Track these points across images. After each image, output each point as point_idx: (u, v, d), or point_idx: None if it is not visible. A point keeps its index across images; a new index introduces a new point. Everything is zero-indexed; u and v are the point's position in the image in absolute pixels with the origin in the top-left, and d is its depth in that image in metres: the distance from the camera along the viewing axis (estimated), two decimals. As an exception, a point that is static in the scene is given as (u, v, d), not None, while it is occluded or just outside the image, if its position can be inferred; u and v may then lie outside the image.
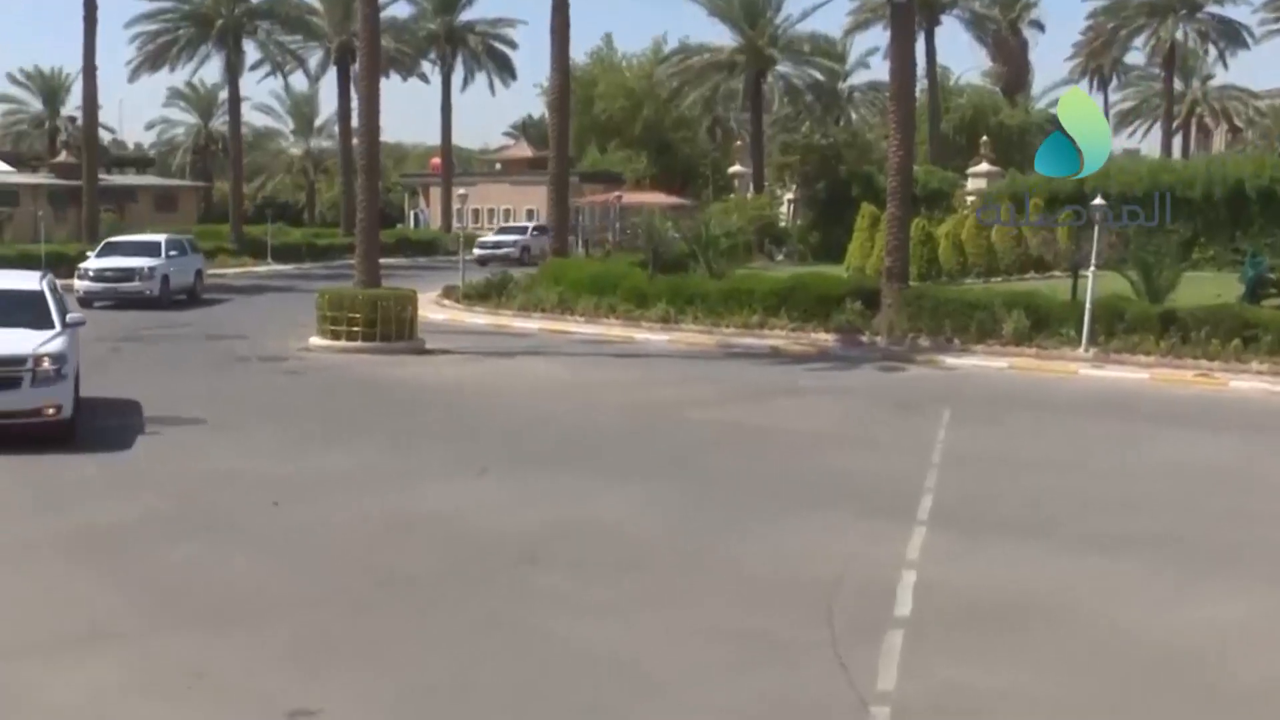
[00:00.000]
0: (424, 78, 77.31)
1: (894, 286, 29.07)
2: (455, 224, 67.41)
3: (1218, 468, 16.21)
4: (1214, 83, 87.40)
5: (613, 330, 31.47)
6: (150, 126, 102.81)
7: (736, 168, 69.75)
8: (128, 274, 37.33)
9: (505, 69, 78.42)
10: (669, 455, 16.62)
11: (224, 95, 73.28)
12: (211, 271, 54.23)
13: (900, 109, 30.90)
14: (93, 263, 38.07)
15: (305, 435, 17.66)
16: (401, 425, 18.84)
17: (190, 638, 9.28)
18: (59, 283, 19.53)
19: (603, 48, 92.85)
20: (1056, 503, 13.96)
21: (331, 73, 71.87)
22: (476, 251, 61.35)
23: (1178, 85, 77.01)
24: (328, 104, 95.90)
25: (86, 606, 9.97)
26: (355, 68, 51.82)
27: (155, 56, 66.40)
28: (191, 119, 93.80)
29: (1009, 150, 69.98)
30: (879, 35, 69.66)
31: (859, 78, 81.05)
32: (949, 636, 9.50)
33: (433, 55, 76.21)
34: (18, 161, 73.32)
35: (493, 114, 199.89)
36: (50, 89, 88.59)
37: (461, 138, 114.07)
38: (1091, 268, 26.99)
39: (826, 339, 28.92)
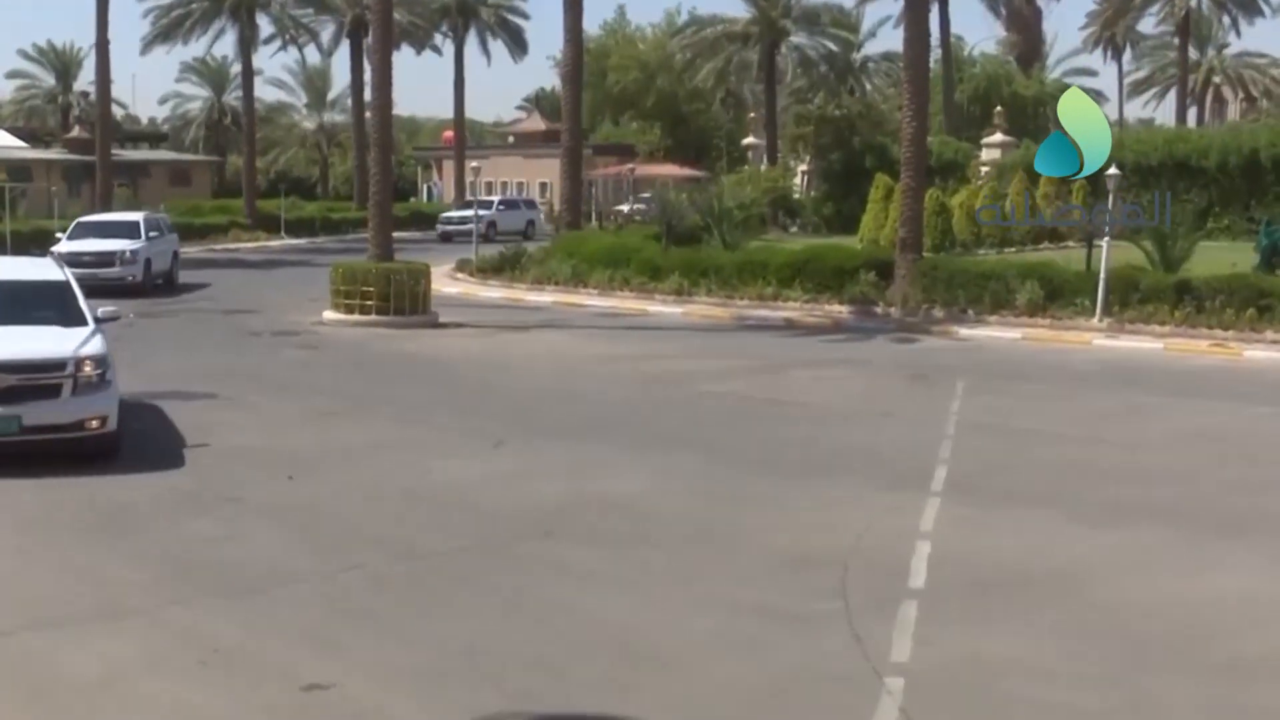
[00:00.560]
0: (437, 50, 77.23)
1: (908, 258, 29.03)
2: (468, 197, 67.38)
3: (1232, 438, 16.20)
4: (1229, 51, 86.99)
5: (626, 303, 31.47)
6: (163, 101, 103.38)
7: (750, 139, 69.55)
8: (107, 258, 33.13)
9: (518, 41, 78.24)
10: (683, 428, 16.63)
11: (237, 69, 73.26)
12: (226, 246, 54.52)
13: (914, 79, 30.81)
14: (66, 245, 33.38)
15: (318, 410, 17.69)
16: (415, 399, 18.87)
17: (206, 612, 9.33)
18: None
19: (616, 19, 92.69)
20: (1070, 473, 13.96)
21: (345, 46, 71.85)
22: (440, 228, 60.58)
23: (1193, 54, 76.61)
24: (341, 77, 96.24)
25: (101, 581, 10.01)
26: (368, 41, 51.80)
27: (168, 30, 66.44)
28: (205, 93, 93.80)
29: (1023, 120, 69.66)
30: (892, 4, 69.39)
31: (873, 48, 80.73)
32: (963, 607, 9.52)
33: (445, 28, 76.04)
34: (31, 137, 73.53)
35: (506, 87, 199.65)
36: (63, 64, 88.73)
37: (474, 111, 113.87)
38: (1106, 238, 26.93)
39: (841, 311, 28.90)
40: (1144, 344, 24.41)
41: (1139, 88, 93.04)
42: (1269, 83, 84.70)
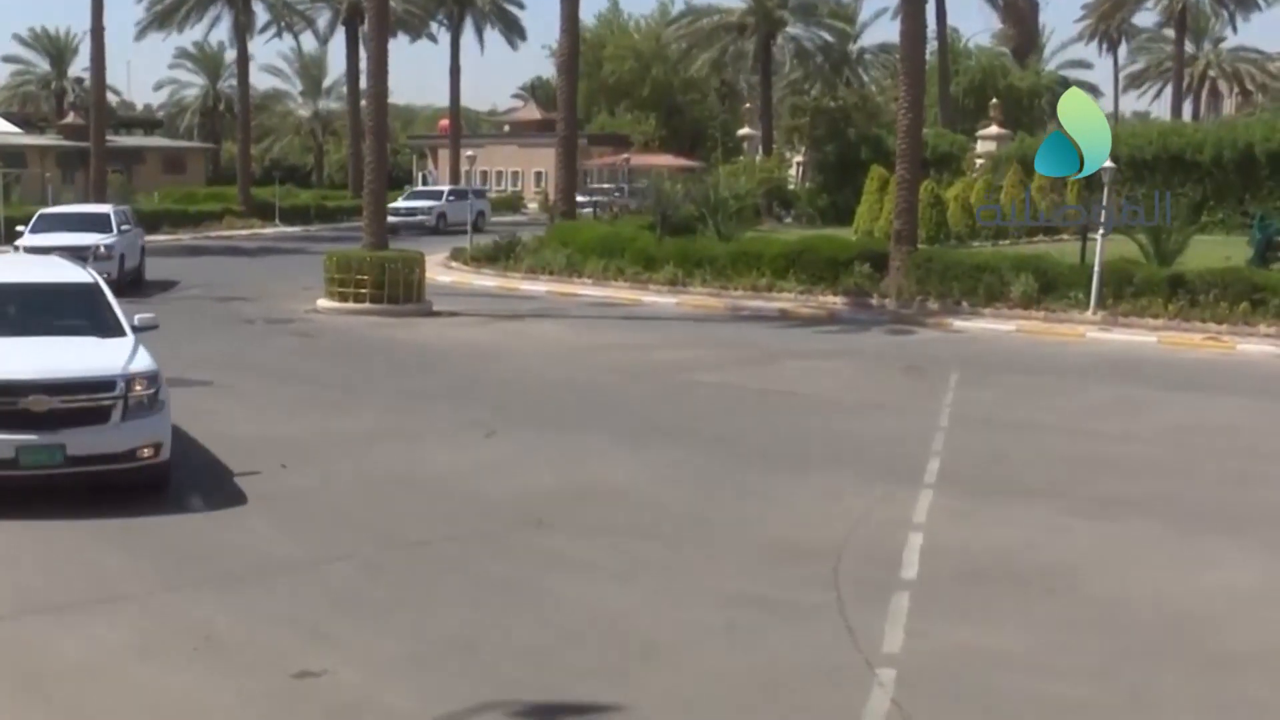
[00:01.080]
0: (433, 38, 77.08)
1: (903, 249, 29.03)
2: (464, 186, 67.30)
3: (1225, 431, 16.21)
4: (1225, 45, 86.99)
5: (621, 293, 31.46)
6: (158, 88, 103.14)
7: (745, 130, 69.52)
8: (79, 254, 27.00)
9: (514, 30, 78.09)
10: (677, 418, 16.63)
11: (232, 56, 73.11)
12: (220, 234, 54.44)
13: (910, 71, 30.79)
14: (31, 239, 30.73)
15: (312, 397, 17.68)
16: (408, 387, 18.85)
17: (197, 599, 9.32)
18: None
19: (610, 9, 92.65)
20: (1063, 466, 13.97)
21: (340, 33, 71.71)
22: (389, 220, 58.04)
23: (1189, 48, 76.62)
24: (336, 65, 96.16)
25: (95, 568, 10.01)
26: (364, 28, 51.69)
27: (163, 16, 66.25)
28: (199, 80, 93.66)
29: (1018, 113, 69.73)
30: (889, -4, 69.29)
31: (869, 39, 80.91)
32: (954, 599, 9.53)
33: (441, 16, 75.90)
34: (25, 123, 73.33)
35: (502, 76, 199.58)
36: (57, 50, 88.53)
37: (470, 100, 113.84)
38: (1100, 230, 26.94)
39: (835, 302, 28.90)
40: (1137, 337, 24.43)
41: (1135, 81, 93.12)
42: (1265, 77, 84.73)
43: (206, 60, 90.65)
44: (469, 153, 59.95)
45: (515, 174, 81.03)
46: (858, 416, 16.86)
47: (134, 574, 9.84)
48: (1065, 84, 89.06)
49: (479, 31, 77.55)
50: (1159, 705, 7.85)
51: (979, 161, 52.95)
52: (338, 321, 26.38)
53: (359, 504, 11.97)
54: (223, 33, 70.00)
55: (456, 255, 38.98)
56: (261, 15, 67.68)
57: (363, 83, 39.37)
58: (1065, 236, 37.94)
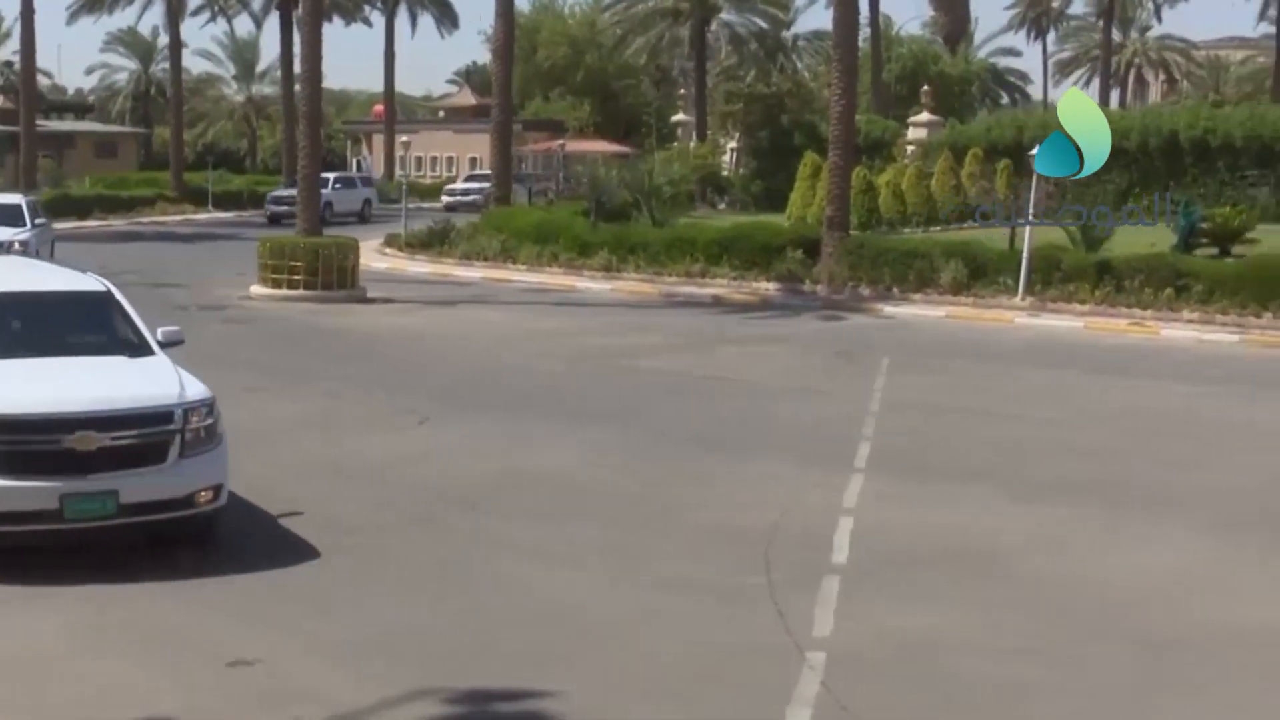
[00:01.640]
0: (367, 22, 76.71)
1: (835, 235, 29.26)
2: (398, 172, 66.96)
3: (1151, 415, 16.51)
4: (1152, 34, 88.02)
5: (555, 279, 31.52)
6: (90, 72, 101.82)
7: (680, 116, 69.58)
8: None
9: (448, 15, 77.96)
10: (612, 404, 16.74)
11: (165, 40, 72.38)
12: (151, 219, 53.94)
13: (843, 58, 30.98)
14: None
15: (245, 384, 17.59)
16: (343, 374, 18.84)
17: (131, 588, 9.34)
18: None
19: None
20: (993, 450, 14.19)
21: (274, 18, 71.12)
22: (269, 208, 53.98)
23: (1116, 36, 77.48)
24: (270, 49, 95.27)
25: (26, 560, 9.98)
26: (298, 12, 51.33)
27: (94, 0, 65.52)
28: (132, 64, 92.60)
29: (949, 100, 70.20)
30: (822, -17, 69.60)
31: (803, 26, 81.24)
32: (885, 583, 9.69)
33: (376, 0, 75.53)
34: (-48, 107, 72.32)
35: (437, 61, 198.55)
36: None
37: (405, 85, 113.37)
38: (1029, 217, 27.27)
39: (768, 288, 29.10)
40: (1065, 322, 24.77)
41: (1064, 69, 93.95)
42: (1190, 66, 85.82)
43: (139, 44, 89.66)
44: (404, 138, 59.60)
45: (450, 159, 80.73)
46: (790, 401, 17.04)
47: (63, 564, 9.76)
48: (995, 72, 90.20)
49: (413, 16, 77.44)
50: (1094, 684, 8.00)
51: (910, 148, 53.29)
52: (271, 308, 26.28)
53: (294, 490, 11.97)
54: (156, 16, 69.28)
55: (391, 241, 38.91)
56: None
57: (297, 67, 39.13)
58: (994, 223, 38.30)
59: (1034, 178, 27.97)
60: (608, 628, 8.73)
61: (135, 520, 9.66)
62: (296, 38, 50.98)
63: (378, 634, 8.54)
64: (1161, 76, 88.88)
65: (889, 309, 26.60)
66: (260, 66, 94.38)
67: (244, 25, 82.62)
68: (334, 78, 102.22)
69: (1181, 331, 23.68)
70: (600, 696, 7.70)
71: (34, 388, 9.79)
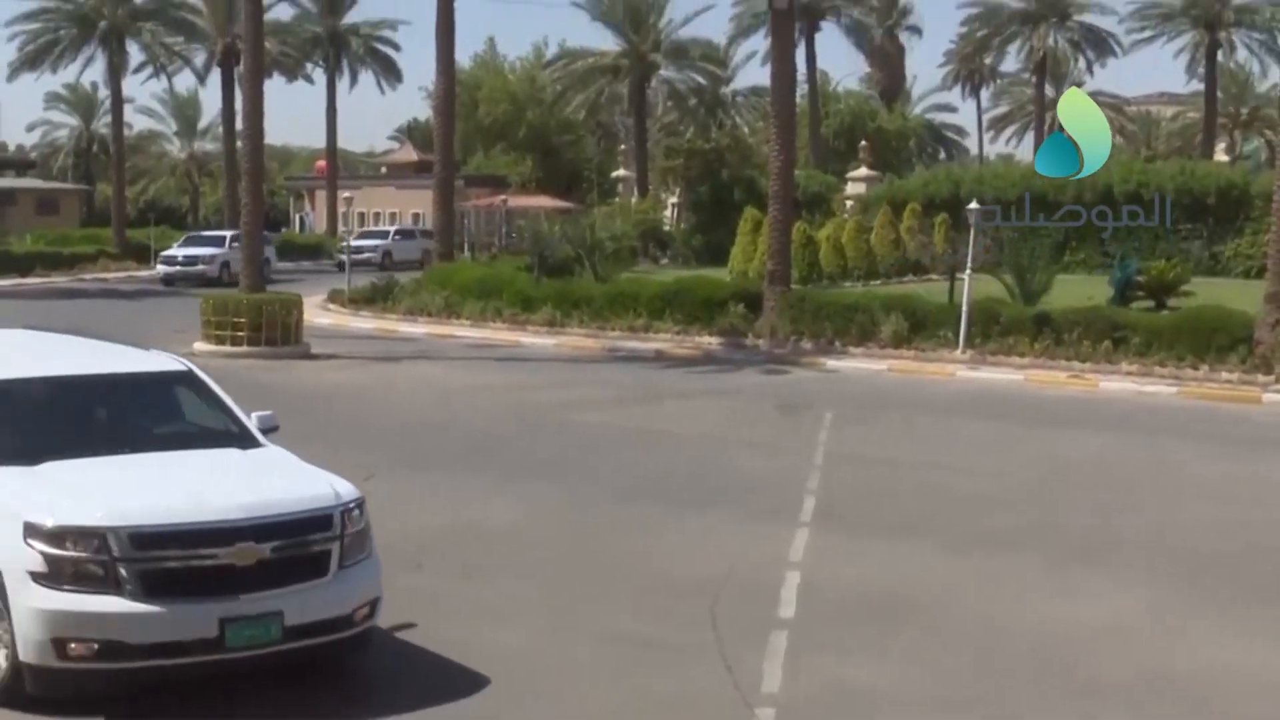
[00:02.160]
0: (309, 80, 76.69)
1: (776, 289, 29.48)
2: (341, 228, 66.84)
3: (1092, 467, 16.73)
4: (1085, 90, 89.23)
5: (499, 334, 31.56)
6: (31, 128, 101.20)
7: (621, 171, 70.02)
8: None
9: (390, 72, 78.01)
10: (556, 459, 16.78)
11: (107, 96, 72.15)
12: (94, 276, 53.57)
13: (781, 114, 31.35)
14: None
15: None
16: (287, 430, 18.61)
17: None
18: None
19: (486, 51, 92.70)
20: (936, 502, 14.33)
21: (216, 74, 71.06)
22: (160, 269, 51.34)
23: (1049, 91, 78.58)
24: (212, 106, 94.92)
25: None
26: (239, 69, 51.35)
27: (36, 56, 65.17)
28: (73, 121, 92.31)
29: (887, 155, 71.03)
30: (761, 40, 70.32)
31: (741, 82, 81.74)
32: (832, 636, 9.76)
33: (317, 58, 75.60)
34: (-109, 163, 71.75)
35: (378, 117, 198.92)
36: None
37: (347, 141, 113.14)
38: (968, 271, 27.60)
39: (710, 342, 29.25)
40: (1005, 375, 25.03)
41: (998, 124, 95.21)
42: (1122, 120, 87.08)
43: (80, 101, 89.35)
44: (346, 194, 59.56)
45: (393, 215, 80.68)
46: (734, 456, 17.12)
47: None
48: (932, 127, 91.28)
49: (354, 74, 77.38)
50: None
51: (849, 202, 53.84)
52: (215, 364, 26.03)
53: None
54: (97, 73, 68.96)
55: (334, 297, 38.85)
56: (136, 55, 66.88)
57: (239, 124, 39.14)
58: (934, 276, 38.75)
59: (971, 231, 28.34)
60: (554, 684, 8.75)
61: (299, 645, 8.27)
62: (238, 94, 51.03)
63: (319, 689, 8.52)
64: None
65: (831, 362, 26.80)
66: (202, 123, 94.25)
67: (186, 82, 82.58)
68: (276, 134, 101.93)
69: (1120, 384, 23.99)
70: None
71: (166, 493, 8.32)
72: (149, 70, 69.04)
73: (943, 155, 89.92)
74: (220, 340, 27.57)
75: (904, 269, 44.31)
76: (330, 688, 8.59)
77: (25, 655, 7.78)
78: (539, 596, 10.68)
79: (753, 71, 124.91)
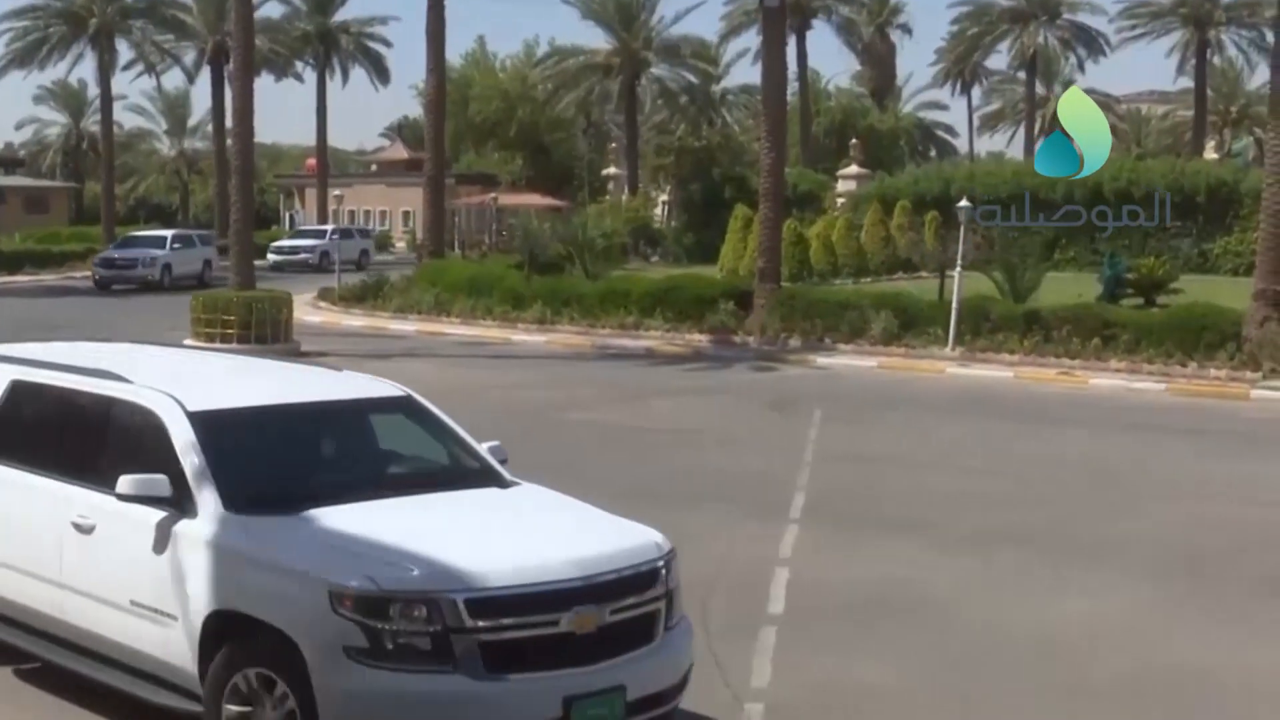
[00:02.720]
0: (299, 78, 76.69)
1: (766, 287, 29.54)
2: (329, 225, 66.90)
3: (1080, 464, 16.77)
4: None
5: (489, 332, 31.57)
6: (20, 126, 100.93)
7: (612, 170, 70.09)
8: None
9: (380, 70, 78.01)
10: (546, 457, 16.71)
11: (96, 94, 72.10)
12: (84, 274, 53.45)
13: (772, 112, 31.40)
14: None
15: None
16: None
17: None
18: None
19: (477, 50, 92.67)
20: (926, 499, 14.36)
21: (206, 72, 71.07)
22: (97, 272, 47.29)
23: (1039, 90, 78.76)
24: (201, 104, 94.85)
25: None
26: (229, 68, 51.34)
27: (25, 54, 65.19)
28: (63, 119, 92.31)
29: (878, 152, 71.15)
30: (752, 38, 70.33)
31: (732, 80, 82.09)
32: (822, 633, 9.80)
33: (308, 55, 75.58)
34: (-121, 162, 71.67)
35: (369, 115, 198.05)
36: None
37: (337, 139, 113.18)
38: (958, 268, 27.66)
39: (701, 339, 29.30)
40: (995, 372, 25.10)
41: (989, 122, 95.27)
42: (1113, 118, 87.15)
43: (69, 98, 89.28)
44: (336, 192, 59.55)
45: (384, 213, 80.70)
46: (724, 453, 17.16)
47: None
48: (922, 125, 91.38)
49: (345, 71, 77.37)
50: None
51: (840, 200, 53.93)
52: (204, 363, 26.14)
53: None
54: (86, 71, 68.90)
55: (325, 295, 38.85)
56: (126, 53, 66.87)
57: (229, 121, 39.10)
58: (924, 274, 38.85)
59: (962, 229, 28.41)
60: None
61: None
62: (228, 92, 50.97)
63: None
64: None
65: (821, 360, 26.85)
66: (192, 121, 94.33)
67: (175, 80, 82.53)
68: (266, 131, 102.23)
69: (1109, 380, 24.06)
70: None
71: (489, 549, 7.08)
72: (139, 68, 69.19)
73: (934, 154, 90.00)
74: (210, 338, 27.54)
75: (894, 266, 44.42)
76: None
77: None
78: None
79: (744, 69, 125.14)
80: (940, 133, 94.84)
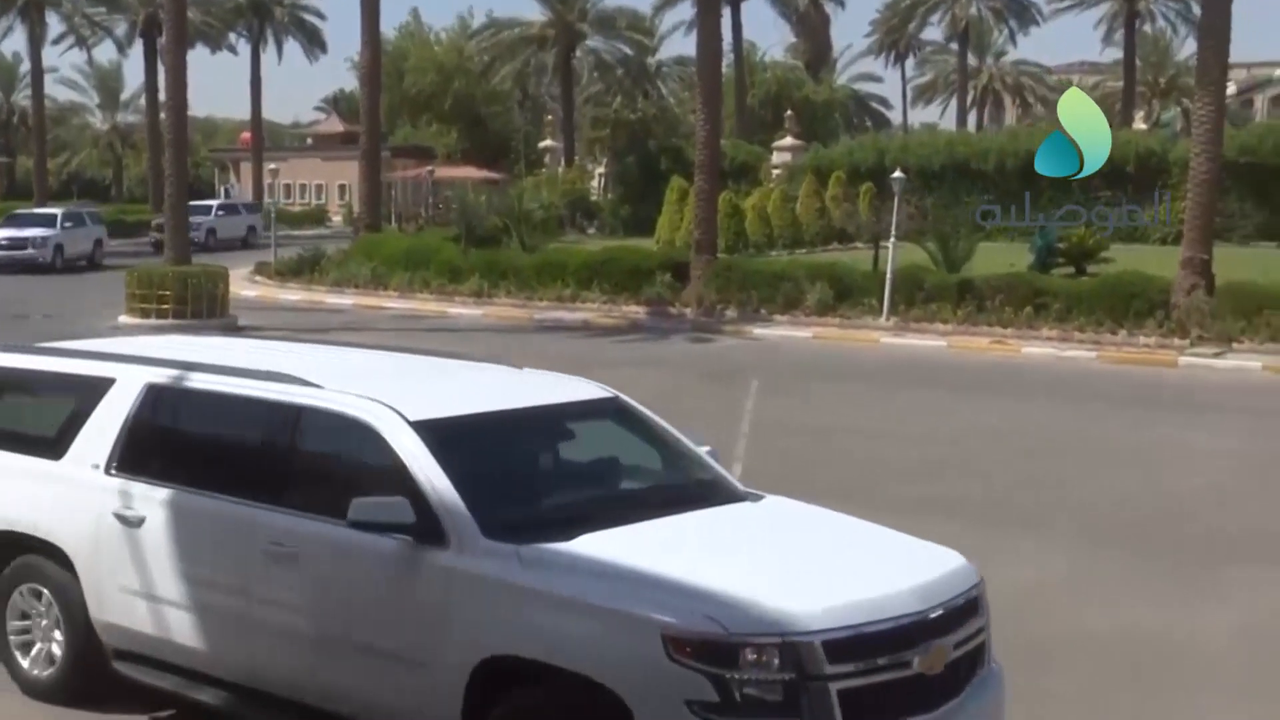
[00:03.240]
0: (233, 50, 76.14)
1: (703, 259, 29.73)
2: (266, 199, 66.44)
3: (1014, 432, 17.06)
4: (1007, 59, 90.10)
5: (427, 305, 31.61)
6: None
7: (548, 142, 70.00)
8: None
9: (315, 41, 77.56)
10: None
11: (26, 68, 71.29)
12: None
13: (707, 84, 31.55)
14: None
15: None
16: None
17: None
18: None
19: (412, 22, 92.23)
20: (863, 468, 14.56)
21: (138, 45, 70.35)
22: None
23: (972, 61, 79.33)
24: (134, 77, 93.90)
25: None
26: (162, 40, 50.88)
27: (-48, 28, 64.45)
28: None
29: (813, 124, 71.37)
30: (687, 10, 70.35)
31: (667, 52, 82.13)
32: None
33: (241, 28, 74.98)
34: None
35: (304, 88, 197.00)
36: None
37: (273, 112, 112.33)
38: (892, 239, 27.94)
39: (638, 311, 29.46)
40: (929, 342, 25.41)
41: (922, 93, 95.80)
42: (1044, 89, 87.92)
43: (0, 71, 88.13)
44: (271, 166, 59.24)
45: (320, 187, 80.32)
46: (662, 423, 17.28)
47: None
48: (857, 97, 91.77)
49: (279, 43, 76.93)
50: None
51: (775, 172, 54.12)
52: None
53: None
54: (18, 44, 68.17)
55: (261, 269, 38.69)
56: (56, 26, 66.15)
57: (162, 95, 38.79)
58: (859, 245, 39.16)
59: (895, 199, 28.69)
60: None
61: None
62: (161, 65, 50.54)
63: None
64: (1017, 100, 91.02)
65: (757, 330, 27.08)
66: (125, 94, 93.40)
67: (108, 52, 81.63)
68: (200, 105, 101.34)
69: (1041, 349, 24.43)
70: None
71: (825, 582, 6.21)
72: (70, 40, 68.41)
73: (869, 125, 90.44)
74: (145, 314, 27.45)
75: (829, 237, 44.71)
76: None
77: None
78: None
79: (678, 41, 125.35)
80: (875, 104, 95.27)
